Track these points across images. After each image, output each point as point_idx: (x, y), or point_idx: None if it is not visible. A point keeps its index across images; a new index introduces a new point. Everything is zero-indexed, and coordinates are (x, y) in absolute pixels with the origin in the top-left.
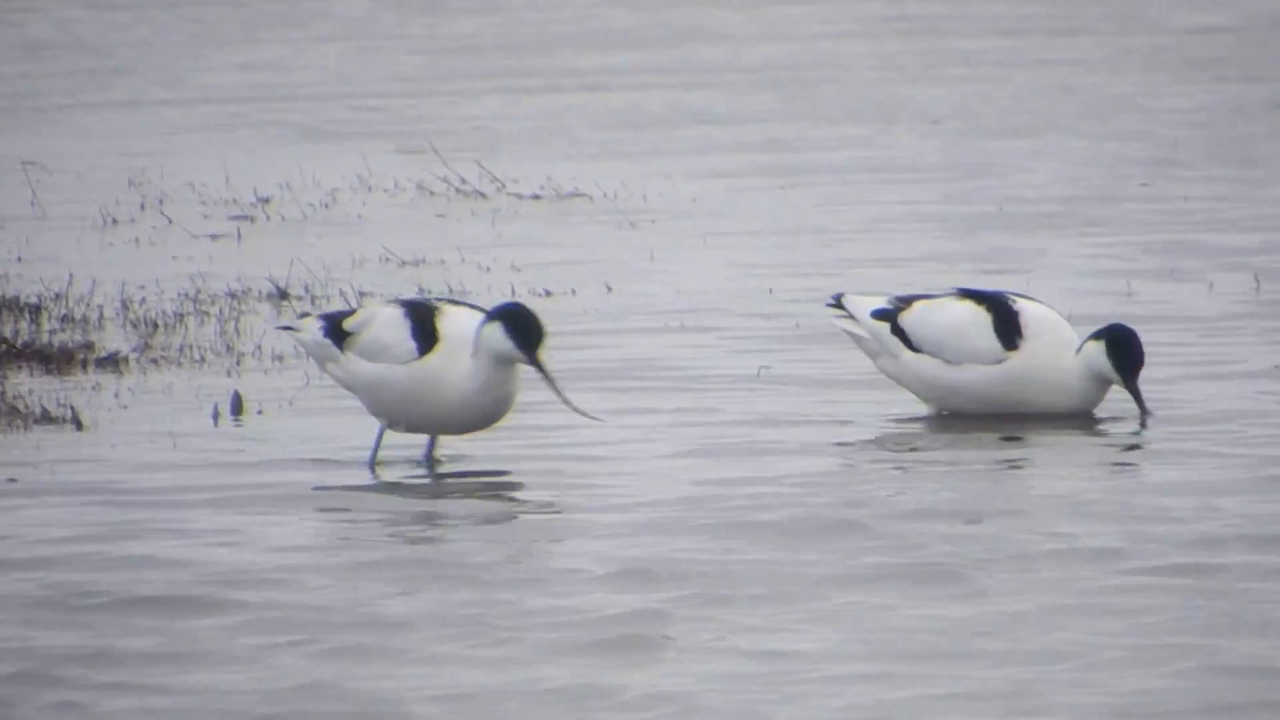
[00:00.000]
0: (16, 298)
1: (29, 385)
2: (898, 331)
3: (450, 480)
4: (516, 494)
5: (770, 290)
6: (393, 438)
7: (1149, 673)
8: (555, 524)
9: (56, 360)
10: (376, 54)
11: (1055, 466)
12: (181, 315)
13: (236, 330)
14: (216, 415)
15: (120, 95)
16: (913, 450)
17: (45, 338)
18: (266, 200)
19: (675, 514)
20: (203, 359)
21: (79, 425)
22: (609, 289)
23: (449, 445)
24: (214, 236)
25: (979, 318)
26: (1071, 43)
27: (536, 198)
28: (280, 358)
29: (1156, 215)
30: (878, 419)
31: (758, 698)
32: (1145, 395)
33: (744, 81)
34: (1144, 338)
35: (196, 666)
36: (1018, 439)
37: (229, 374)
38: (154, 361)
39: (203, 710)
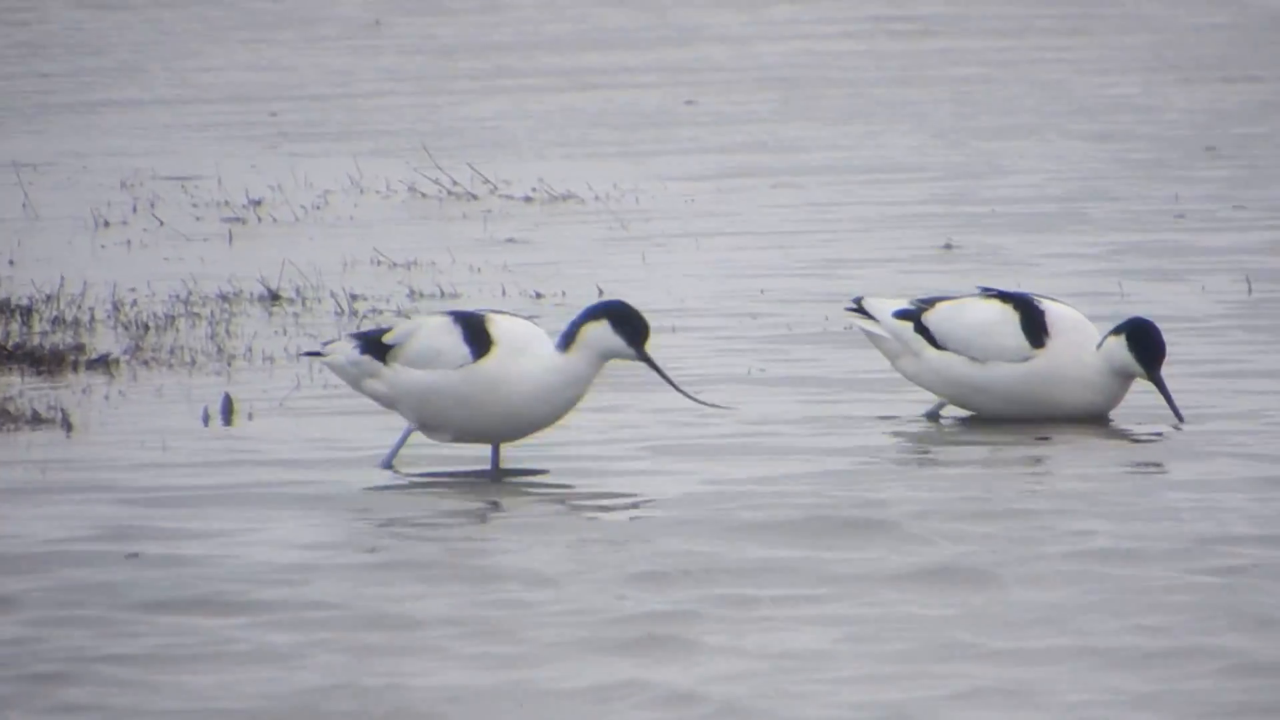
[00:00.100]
0: (7, 299)
1: (19, 387)
2: (921, 330)
3: (453, 481)
4: (525, 495)
5: (762, 291)
6: (409, 442)
7: (1168, 672)
8: (567, 523)
9: (47, 362)
10: (368, 55)
11: (1070, 465)
12: (172, 317)
13: (227, 332)
14: (207, 417)
15: (112, 96)
16: (921, 450)
17: (36, 339)
18: (258, 202)
19: (688, 513)
20: (194, 361)
21: (69, 427)
22: (600, 291)
23: (465, 448)
24: (205, 238)
25: (1006, 316)
26: (1065, 43)
27: (528, 199)
28: (271, 360)
29: (1148, 216)
30: (878, 419)
31: (779, 696)
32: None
33: (737, 81)
34: None
35: (201, 666)
36: (1030, 437)
37: (219, 376)
38: (145, 363)
39: (211, 711)
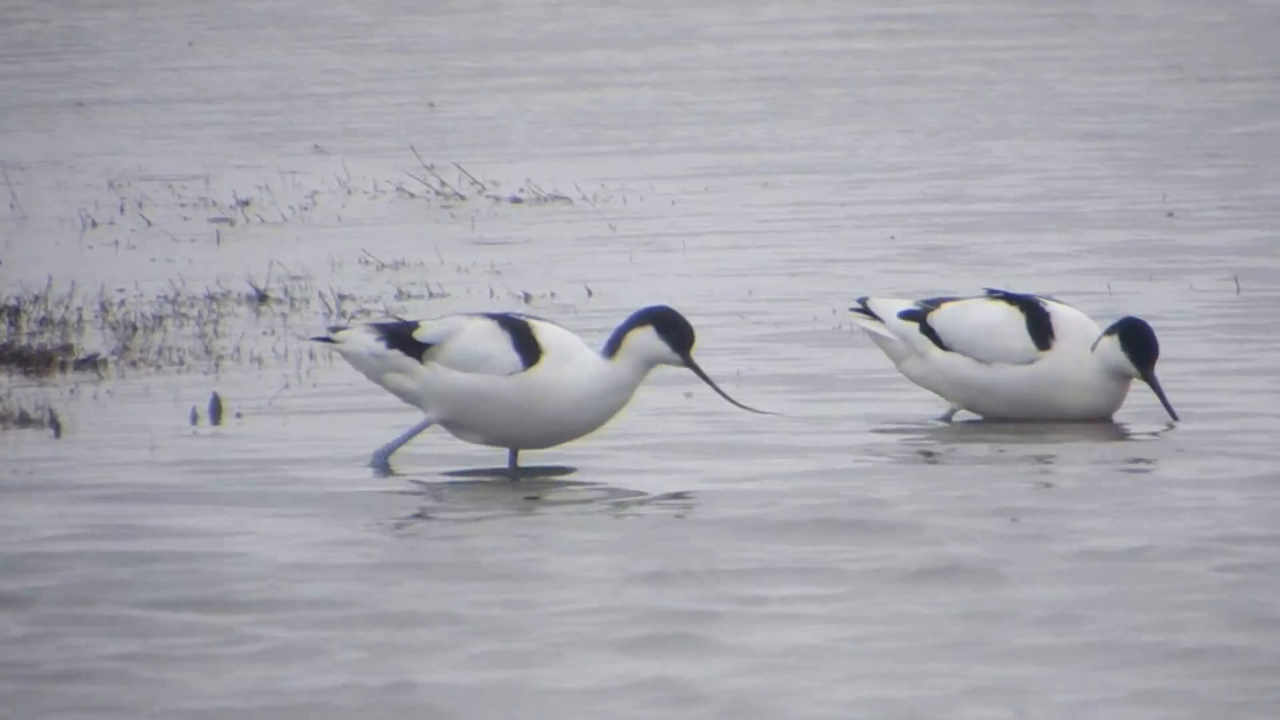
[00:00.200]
0: None
1: (7, 387)
2: (926, 331)
3: (449, 480)
4: (529, 494)
5: (750, 291)
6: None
7: (1171, 670)
8: (572, 521)
9: (35, 362)
10: (358, 55)
11: (1070, 464)
12: (160, 317)
13: (215, 332)
14: (195, 417)
15: (100, 96)
16: (921, 448)
17: (24, 340)
18: (246, 203)
19: (691, 512)
20: (181, 361)
21: (57, 427)
22: (589, 292)
23: (468, 448)
24: (193, 239)
25: (1012, 317)
26: (1057, 42)
27: (516, 200)
28: (259, 360)
29: (1137, 215)
30: (874, 417)
31: (784, 694)
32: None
33: (727, 81)
34: None
35: (202, 665)
36: (1029, 436)
37: (207, 376)
38: (133, 364)
39: (213, 710)
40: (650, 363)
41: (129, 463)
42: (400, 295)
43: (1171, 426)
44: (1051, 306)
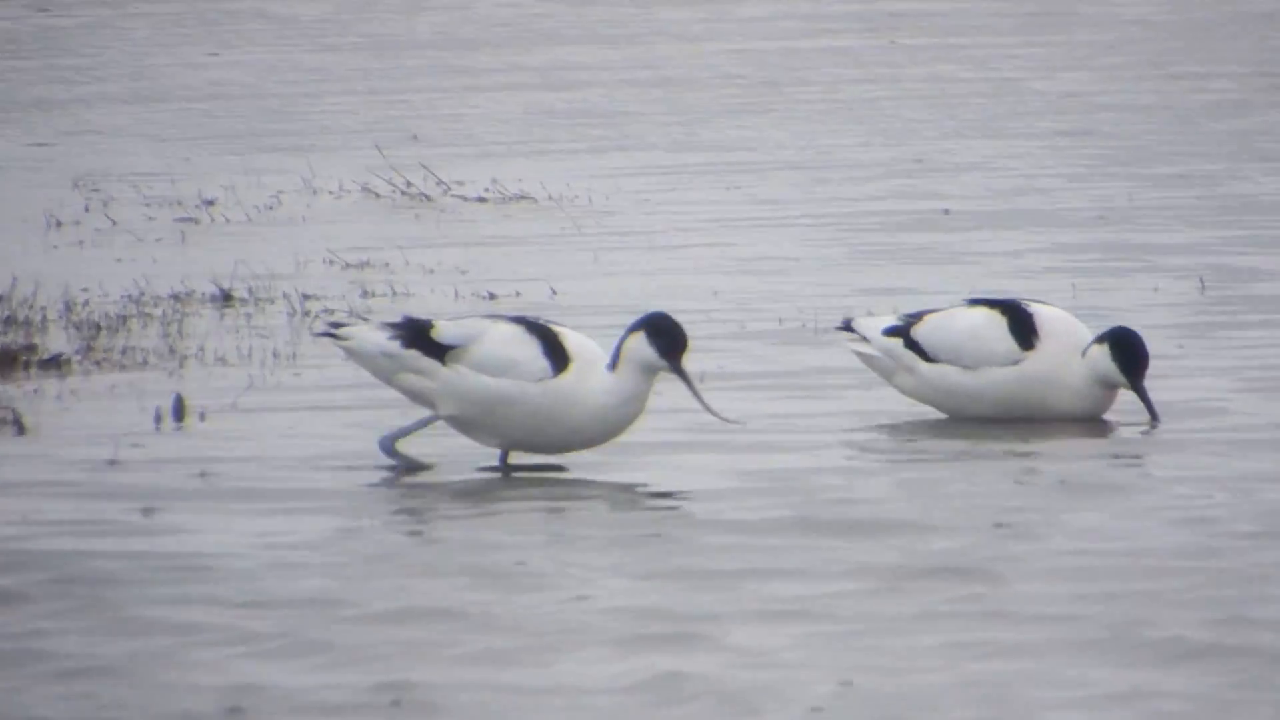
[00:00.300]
0: None
1: None
2: (911, 345)
3: (445, 479)
4: (517, 489)
5: (716, 292)
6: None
7: (1164, 666)
8: (557, 518)
9: None
10: (321, 55)
11: (1055, 461)
12: (125, 317)
13: (180, 332)
14: (159, 417)
15: (65, 96)
16: (901, 446)
17: None
18: (211, 202)
19: (685, 510)
20: (146, 361)
21: (21, 427)
22: (553, 291)
23: (456, 444)
24: (158, 238)
25: (994, 321)
26: (1024, 39)
27: (481, 200)
28: (223, 360)
29: (1100, 215)
30: (849, 415)
31: (777, 690)
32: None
33: (695, 80)
34: None
35: (203, 665)
36: (1014, 434)
37: (172, 376)
38: (97, 364)
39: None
40: (645, 369)
41: (93, 461)
42: (366, 295)
43: (1153, 428)
44: (1035, 308)
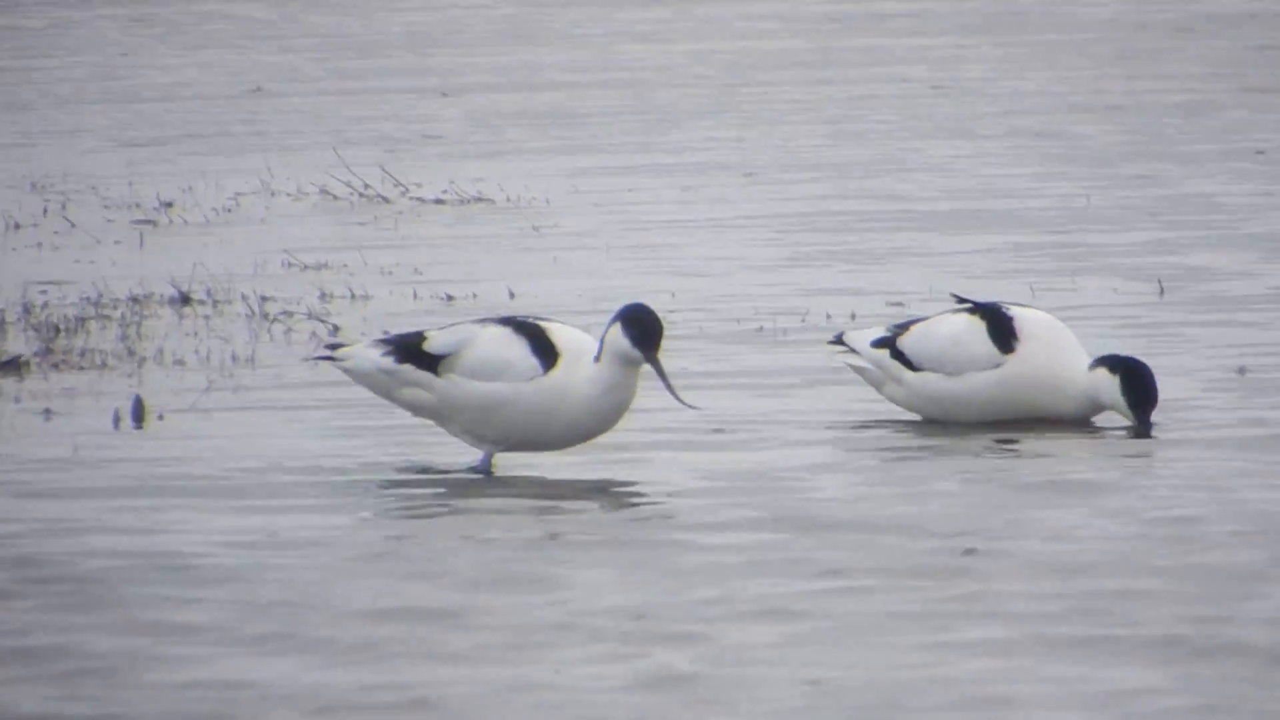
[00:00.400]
0: None
1: None
2: (897, 355)
3: (438, 478)
4: (501, 489)
5: (673, 294)
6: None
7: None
8: (544, 518)
9: None
10: (279, 56)
11: (1044, 457)
12: (83, 319)
13: (138, 334)
14: (117, 419)
15: (22, 98)
16: (869, 444)
17: None
18: (169, 204)
19: (675, 509)
20: (104, 363)
21: None
22: (511, 293)
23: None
24: (116, 240)
25: (973, 325)
26: (983, 40)
27: (440, 202)
28: (182, 362)
29: (1059, 216)
30: (818, 413)
31: (767, 689)
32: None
33: (655, 82)
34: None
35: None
36: (1001, 431)
37: (130, 378)
38: (55, 366)
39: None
40: (625, 360)
41: (51, 461)
42: (324, 297)
43: (1137, 431)
44: (1015, 311)
